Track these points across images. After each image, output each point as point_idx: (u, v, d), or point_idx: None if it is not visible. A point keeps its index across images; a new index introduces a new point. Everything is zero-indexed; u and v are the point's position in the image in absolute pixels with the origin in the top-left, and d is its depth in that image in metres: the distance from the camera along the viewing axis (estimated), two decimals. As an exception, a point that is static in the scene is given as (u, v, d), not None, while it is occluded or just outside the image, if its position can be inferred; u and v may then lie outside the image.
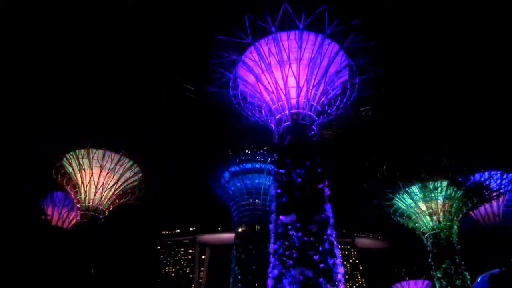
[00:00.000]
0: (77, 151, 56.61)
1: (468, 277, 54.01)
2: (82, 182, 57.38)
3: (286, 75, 39.50)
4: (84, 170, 57.33)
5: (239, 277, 57.46)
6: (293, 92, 39.78)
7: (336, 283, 31.48)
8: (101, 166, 57.15)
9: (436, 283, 55.51)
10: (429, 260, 56.65)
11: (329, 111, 42.53)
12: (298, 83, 39.26)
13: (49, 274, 51.29)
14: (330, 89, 41.47)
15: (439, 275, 54.47)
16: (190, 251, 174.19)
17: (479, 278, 58.54)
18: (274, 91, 40.12)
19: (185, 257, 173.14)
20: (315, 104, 40.31)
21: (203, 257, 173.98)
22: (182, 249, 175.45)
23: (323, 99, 41.07)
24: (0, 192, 52.50)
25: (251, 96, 43.26)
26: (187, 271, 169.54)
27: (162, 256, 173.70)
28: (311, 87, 39.58)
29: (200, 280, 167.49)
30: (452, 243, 55.77)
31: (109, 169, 57.55)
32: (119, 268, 74.61)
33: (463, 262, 54.82)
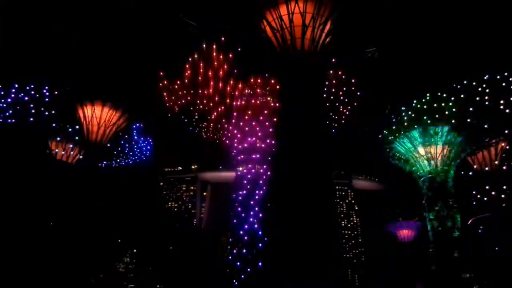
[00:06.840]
0: (78, 86, 56.08)
1: (459, 219, 56.08)
2: (84, 117, 57.48)
3: (291, 11, 37.93)
4: (86, 106, 57.19)
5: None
6: (298, 31, 38.45)
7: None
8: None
9: (427, 224, 57.77)
10: (423, 202, 58.42)
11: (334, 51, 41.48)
12: (303, 21, 37.79)
13: (54, 208, 53.31)
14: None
15: (431, 217, 56.52)
16: (192, 187, 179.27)
17: (469, 221, 60.74)
18: (279, 29, 38.75)
19: (187, 193, 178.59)
20: (320, 44, 39.14)
21: (204, 193, 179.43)
22: (184, 185, 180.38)
23: (328, 39, 39.79)
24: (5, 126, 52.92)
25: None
26: (189, 206, 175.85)
27: (164, 192, 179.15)
28: (317, 26, 38.16)
29: (202, 215, 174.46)
30: (447, 187, 57.17)
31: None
32: (123, 202, 77.41)
33: (455, 206, 56.62)
